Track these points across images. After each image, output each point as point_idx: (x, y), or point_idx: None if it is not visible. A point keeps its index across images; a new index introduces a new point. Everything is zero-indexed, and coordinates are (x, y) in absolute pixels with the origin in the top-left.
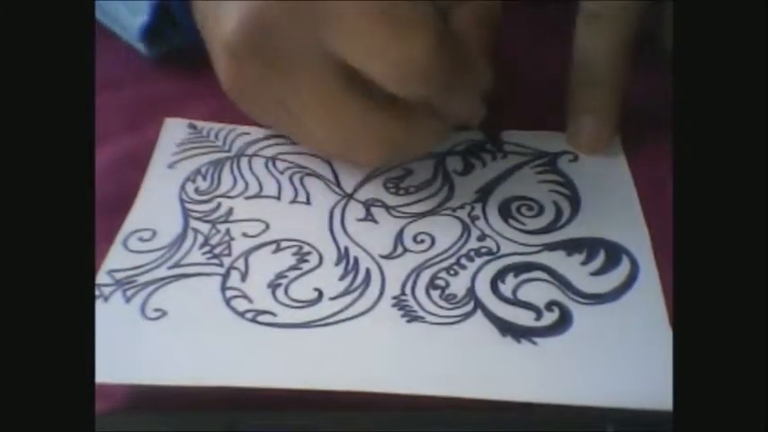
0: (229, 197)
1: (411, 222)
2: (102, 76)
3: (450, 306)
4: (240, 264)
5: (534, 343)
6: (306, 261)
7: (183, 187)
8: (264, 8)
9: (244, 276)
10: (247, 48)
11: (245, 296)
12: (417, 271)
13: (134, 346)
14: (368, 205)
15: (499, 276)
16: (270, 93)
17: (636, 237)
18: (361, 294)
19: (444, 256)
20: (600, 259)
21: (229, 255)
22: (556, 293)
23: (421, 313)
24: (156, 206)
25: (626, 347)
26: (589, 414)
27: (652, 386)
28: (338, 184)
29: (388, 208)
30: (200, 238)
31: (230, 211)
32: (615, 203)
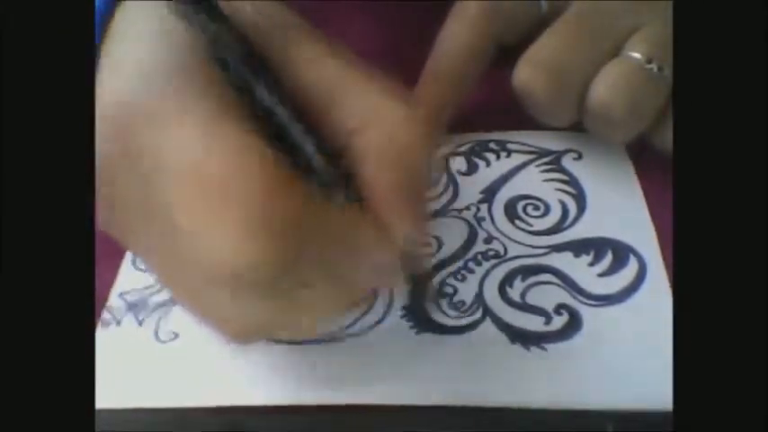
0: None
1: None
2: None
3: (458, 314)
4: None
5: (544, 349)
6: None
7: None
8: (100, 148)
9: None
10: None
11: None
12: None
13: (151, 370)
14: None
15: (507, 280)
16: (120, 239)
17: (642, 236)
18: (371, 306)
19: (452, 259)
20: (607, 260)
21: None
22: (564, 296)
23: (430, 323)
24: None
25: (635, 350)
26: (590, 414)
27: (661, 387)
28: None
29: None
30: None
31: None
32: (620, 202)
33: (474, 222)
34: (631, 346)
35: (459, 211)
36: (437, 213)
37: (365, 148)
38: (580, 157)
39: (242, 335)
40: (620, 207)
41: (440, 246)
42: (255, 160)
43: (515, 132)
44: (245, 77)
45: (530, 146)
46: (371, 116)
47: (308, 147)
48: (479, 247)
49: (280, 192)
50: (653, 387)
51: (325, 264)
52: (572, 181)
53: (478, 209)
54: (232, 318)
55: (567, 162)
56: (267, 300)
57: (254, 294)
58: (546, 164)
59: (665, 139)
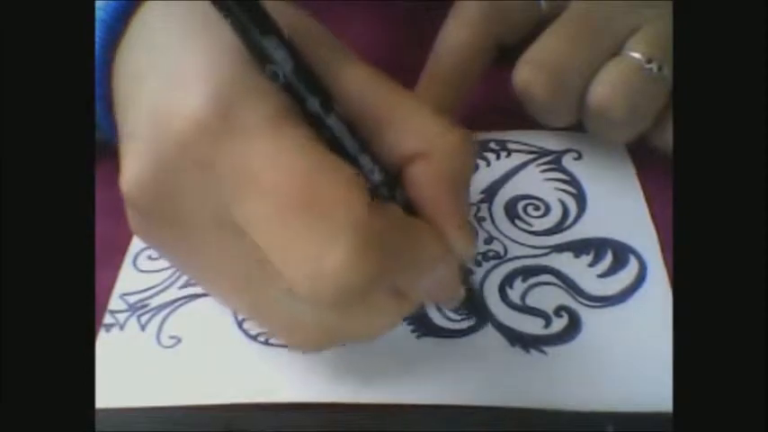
0: None
1: None
2: None
3: (459, 317)
4: None
5: (544, 352)
6: None
7: None
8: (160, 157)
9: None
10: (140, 200)
11: None
12: None
13: (152, 376)
14: None
15: (507, 281)
16: (171, 251)
17: (643, 236)
18: None
19: None
20: (607, 260)
21: None
22: (564, 297)
23: (430, 327)
24: None
25: (635, 351)
26: (590, 416)
27: (661, 389)
28: None
29: None
30: None
31: None
32: (621, 202)
33: (474, 222)
34: (631, 347)
35: None
36: None
37: (423, 176)
38: (580, 156)
39: (313, 344)
40: (621, 207)
41: None
42: (347, 176)
43: (515, 132)
44: (296, 89)
45: (530, 145)
46: (428, 144)
47: (365, 161)
48: (480, 247)
49: (374, 207)
50: (653, 388)
51: (394, 278)
52: (572, 181)
53: (479, 208)
54: (306, 328)
55: (568, 162)
56: (345, 311)
57: (335, 307)
58: (546, 163)
59: (666, 138)
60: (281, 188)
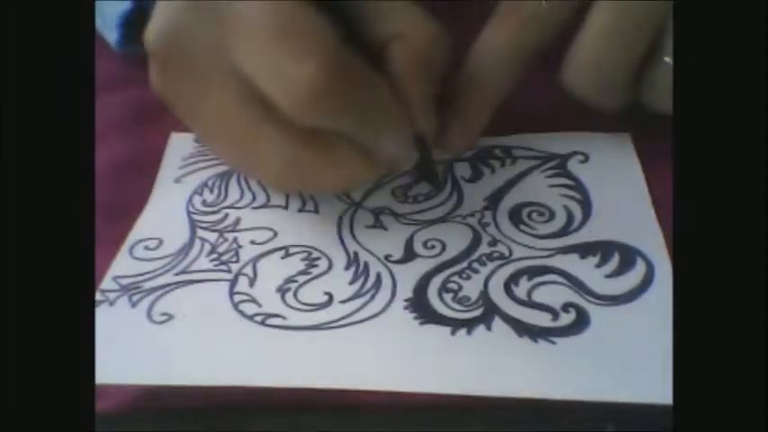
0: (237, 208)
1: (421, 229)
2: (101, 78)
3: (463, 308)
4: (248, 269)
5: (552, 342)
6: (315, 266)
7: (189, 200)
8: (178, 11)
9: (252, 282)
10: (161, 50)
11: (253, 300)
12: (429, 275)
13: (140, 348)
14: (376, 213)
15: (512, 280)
16: (184, 98)
17: (650, 239)
18: (373, 297)
19: (456, 260)
20: (614, 261)
21: (237, 261)
22: (571, 295)
23: (434, 316)
24: (162, 217)
25: (644, 348)
26: (590, 414)
27: (663, 387)
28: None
29: (396, 215)
30: (208, 247)
31: (238, 221)
32: (627, 205)
33: (478, 227)
34: (638, 344)
35: (464, 217)
36: (440, 219)
37: (399, 54)
38: (587, 159)
39: (279, 178)
40: (627, 210)
41: (443, 248)
42: (324, 17)
43: (521, 136)
44: None
45: (535, 151)
46: (408, 28)
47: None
48: (484, 249)
49: (343, 46)
50: (657, 387)
51: (356, 125)
52: (578, 186)
53: (483, 215)
54: (273, 159)
55: (573, 165)
56: (306, 146)
57: (297, 138)
58: (551, 168)
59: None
60: (267, 25)
